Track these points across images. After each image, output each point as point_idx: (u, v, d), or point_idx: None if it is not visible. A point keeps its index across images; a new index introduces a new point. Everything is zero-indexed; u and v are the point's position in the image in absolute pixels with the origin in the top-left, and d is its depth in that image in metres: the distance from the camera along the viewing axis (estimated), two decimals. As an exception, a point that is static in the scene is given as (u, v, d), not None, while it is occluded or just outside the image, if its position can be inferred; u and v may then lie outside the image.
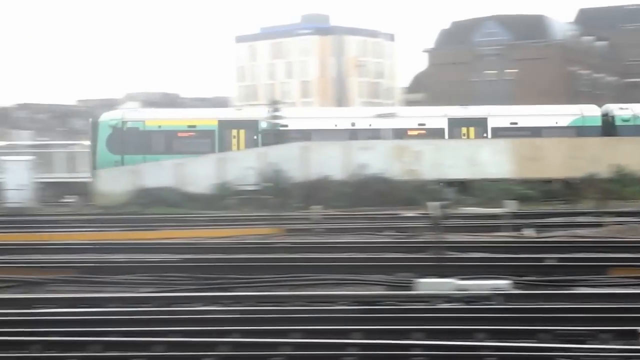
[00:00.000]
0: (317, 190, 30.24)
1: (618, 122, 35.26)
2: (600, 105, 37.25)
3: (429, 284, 12.82)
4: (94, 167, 34.35)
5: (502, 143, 33.03)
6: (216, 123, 35.12)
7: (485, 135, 35.31)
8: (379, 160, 31.63)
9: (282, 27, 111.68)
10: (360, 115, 37.18)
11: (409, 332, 10.02)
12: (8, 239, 21.22)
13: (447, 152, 32.45)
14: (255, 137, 34.75)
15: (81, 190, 33.25)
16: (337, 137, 34.16)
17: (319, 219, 23.81)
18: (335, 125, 35.10)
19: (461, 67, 69.56)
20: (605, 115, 35.79)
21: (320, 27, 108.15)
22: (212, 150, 34.29)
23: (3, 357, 9.32)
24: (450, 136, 35.23)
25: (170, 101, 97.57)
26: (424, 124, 35.34)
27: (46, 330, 10.41)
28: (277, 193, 30.07)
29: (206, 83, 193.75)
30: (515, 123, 35.56)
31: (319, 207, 25.25)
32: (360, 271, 14.99)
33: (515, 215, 21.91)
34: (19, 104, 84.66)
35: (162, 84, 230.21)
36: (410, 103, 79.44)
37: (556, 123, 35.44)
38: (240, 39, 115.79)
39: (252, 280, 14.55)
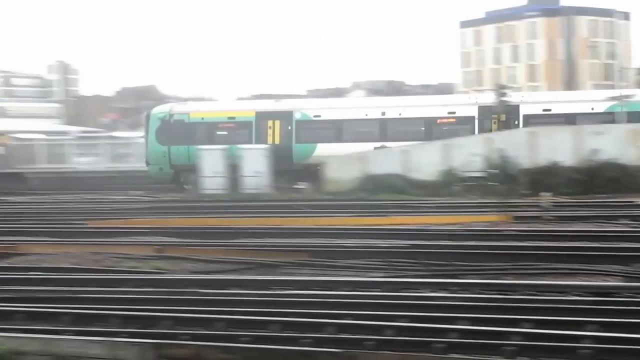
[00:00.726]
0: (545, 177, 29.33)
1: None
2: None
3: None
4: (146, 157, 36.63)
5: None
6: (254, 114, 35.87)
7: (516, 123, 33.60)
8: (612, 145, 30.16)
9: (508, 10, 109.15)
10: (388, 105, 36.72)
11: (648, 326, 9.57)
12: (247, 223, 22.43)
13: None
14: (289, 128, 35.15)
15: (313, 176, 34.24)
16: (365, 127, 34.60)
17: (548, 207, 23.13)
18: (366, 115, 35.18)
19: None
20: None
21: (548, 8, 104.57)
22: (250, 141, 35.14)
23: (244, 334, 9.92)
24: (480, 124, 33.86)
25: (395, 89, 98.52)
26: (454, 112, 34.56)
27: (283, 310, 10.94)
28: (503, 179, 29.51)
29: (431, 69, 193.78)
30: (549, 110, 33.90)
31: (547, 194, 24.52)
32: (593, 261, 14.47)
33: None
34: (253, 95, 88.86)
35: (387, 71, 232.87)
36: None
37: (592, 109, 33.62)
38: (465, 24, 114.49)
39: (478, 267, 14.47)
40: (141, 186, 38.38)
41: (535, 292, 12.13)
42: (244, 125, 35.84)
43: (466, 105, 35.25)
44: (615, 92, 36.46)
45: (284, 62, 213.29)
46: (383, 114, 34.93)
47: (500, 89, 35.08)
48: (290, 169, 34.81)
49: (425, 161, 31.85)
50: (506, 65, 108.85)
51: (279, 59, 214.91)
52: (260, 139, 35.20)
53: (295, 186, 33.91)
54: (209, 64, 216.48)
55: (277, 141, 35.19)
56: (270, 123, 35.60)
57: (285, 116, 35.69)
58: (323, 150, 34.38)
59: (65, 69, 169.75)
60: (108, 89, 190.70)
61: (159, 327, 10.58)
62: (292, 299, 11.69)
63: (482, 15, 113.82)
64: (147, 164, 37.25)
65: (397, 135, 34.04)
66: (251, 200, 30.31)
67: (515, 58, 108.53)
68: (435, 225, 21.15)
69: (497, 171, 30.36)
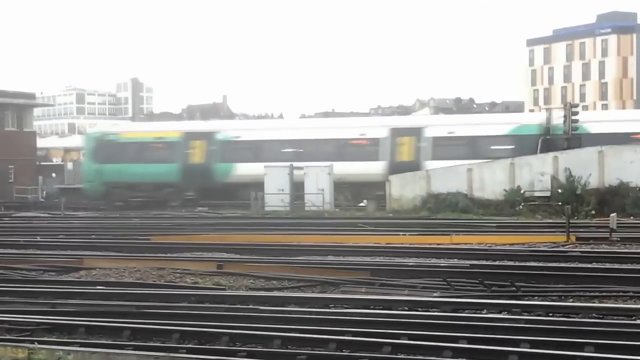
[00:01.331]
0: (612, 197, 28.75)
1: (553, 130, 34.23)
2: None
3: None
4: (82, 175, 39.43)
5: None
6: (179, 135, 37.95)
7: (422, 145, 35.28)
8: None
9: (578, 28, 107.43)
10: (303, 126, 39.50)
11: None
12: (308, 240, 22.46)
13: None
14: (212, 148, 37.04)
15: (374, 194, 34.18)
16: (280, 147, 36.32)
17: (615, 228, 22.61)
18: (282, 136, 36.96)
19: None
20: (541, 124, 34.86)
21: (621, 26, 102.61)
22: (176, 160, 37.25)
23: (301, 352, 9.88)
24: (384, 147, 35.49)
25: (463, 106, 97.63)
26: (364, 134, 36.25)
27: (341, 329, 10.88)
28: (569, 199, 28.97)
29: (499, 87, 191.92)
30: (453, 132, 35.40)
31: (614, 214, 24.00)
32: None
33: None
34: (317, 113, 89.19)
35: (455, 89, 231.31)
36: None
37: (494, 132, 34.95)
38: (532, 42, 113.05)
39: (541, 289, 14.20)
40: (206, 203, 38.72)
41: (600, 316, 11.83)
42: (171, 145, 37.96)
43: (377, 127, 36.81)
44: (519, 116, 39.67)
45: (352, 79, 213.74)
46: (298, 136, 36.62)
47: (569, 107, 34.53)
48: (213, 187, 36.79)
49: (490, 180, 31.54)
50: (576, 83, 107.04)
51: (346, 76, 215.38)
52: (186, 158, 37.47)
53: (359, 204, 33.89)
54: (276, 81, 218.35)
55: (201, 160, 37.09)
56: (194, 143, 37.55)
57: (208, 137, 37.71)
58: (241, 169, 36.28)
59: (136, 87, 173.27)
60: (176, 107, 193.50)
61: (217, 344, 10.62)
62: (350, 317, 11.62)
63: (550, 33, 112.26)
64: (84, 181, 39.99)
65: (310, 155, 35.26)
66: (313, 218, 30.35)
67: (585, 76, 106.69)
68: (499, 245, 20.85)
69: (562, 191, 29.85)
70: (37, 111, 77.14)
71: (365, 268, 16.65)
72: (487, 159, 32.74)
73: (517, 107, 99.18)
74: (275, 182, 34.44)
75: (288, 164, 34.98)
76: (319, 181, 33.96)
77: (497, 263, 17.34)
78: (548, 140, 33.81)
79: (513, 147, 33.96)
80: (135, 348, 10.25)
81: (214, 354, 9.74)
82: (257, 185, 34.14)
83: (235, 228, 27.00)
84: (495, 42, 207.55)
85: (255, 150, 36.73)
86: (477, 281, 14.83)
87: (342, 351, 10.08)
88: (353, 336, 10.52)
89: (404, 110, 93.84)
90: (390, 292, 14.36)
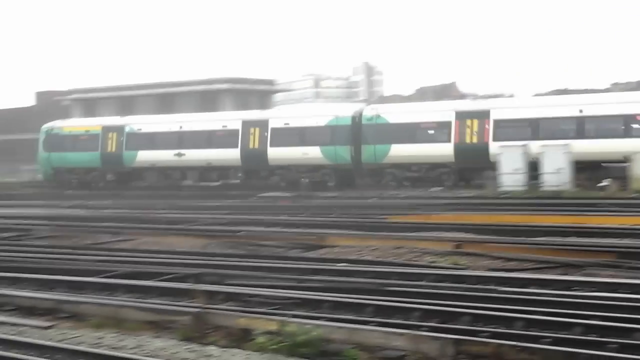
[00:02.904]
0: None
1: (364, 121, 38.98)
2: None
3: None
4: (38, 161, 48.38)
5: None
6: (100, 128, 46.40)
7: (266, 134, 40.90)
8: None
9: None
10: (184, 120, 45.30)
11: None
12: (547, 221, 21.84)
13: None
14: (121, 139, 45.12)
15: (618, 174, 32.65)
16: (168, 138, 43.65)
17: None
18: (169, 129, 44.13)
19: None
20: (355, 116, 39.56)
21: None
22: (97, 149, 45.80)
23: (545, 335, 9.69)
24: (243, 137, 41.46)
25: None
26: (225, 126, 42.52)
27: (586, 313, 10.54)
28: None
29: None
30: (288, 124, 40.82)
31: None
32: None
33: None
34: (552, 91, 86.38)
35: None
36: None
37: (317, 123, 39.96)
38: None
39: None
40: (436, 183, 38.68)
41: None
42: (95, 137, 46.19)
43: (233, 120, 42.92)
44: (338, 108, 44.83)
45: (586, 54, 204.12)
46: (181, 127, 43.66)
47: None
48: (124, 171, 45.46)
49: None
50: None
51: (579, 52, 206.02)
52: (104, 147, 45.71)
53: (599, 184, 32.50)
54: (507, 60, 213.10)
55: (113, 149, 45.42)
56: (110, 134, 45.77)
57: (119, 129, 45.69)
58: (141, 156, 44.23)
59: (368, 70, 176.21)
60: (408, 89, 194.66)
61: (458, 323, 10.67)
62: (596, 301, 11.22)
63: None
64: (39, 165, 49.51)
65: (189, 144, 42.89)
66: (551, 198, 29.49)
67: None
68: None
69: None
70: (277, 96, 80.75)
71: (611, 250, 15.94)
72: None
73: None
74: (510, 161, 33.86)
75: (523, 143, 34.23)
76: (556, 160, 33.00)
77: None
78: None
79: None
80: (379, 324, 10.52)
81: (456, 333, 9.79)
82: (156, 169, 43.41)
83: (470, 208, 26.84)
84: None
85: (149, 141, 44.27)
86: None
87: (588, 335, 9.77)
88: (601, 320, 10.16)
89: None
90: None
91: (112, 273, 15.13)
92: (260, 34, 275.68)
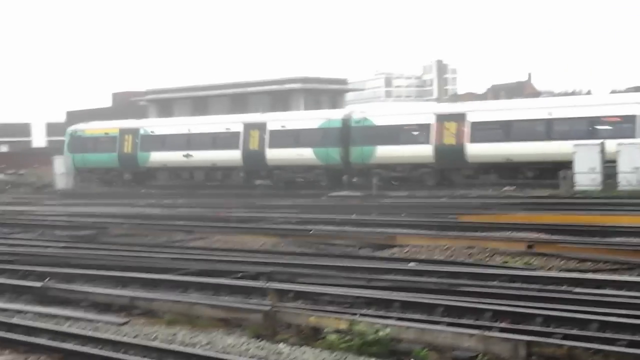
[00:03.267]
0: None
1: (352, 124, 40.21)
2: None
3: None
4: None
5: None
6: (117, 131, 48.33)
7: (265, 136, 42.49)
8: None
9: None
10: (191, 123, 47.85)
11: None
12: (624, 221, 21.21)
13: None
14: (136, 140, 47.07)
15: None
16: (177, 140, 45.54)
17: None
18: (177, 131, 46.40)
19: None
20: (345, 119, 40.78)
21: None
22: (115, 150, 47.91)
23: (620, 338, 9.48)
24: (244, 138, 43.30)
25: None
26: (229, 128, 44.20)
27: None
28: None
29: None
30: (284, 126, 42.37)
31: None
32: None
33: None
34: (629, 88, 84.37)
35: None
36: None
37: (310, 126, 41.46)
38: None
39: None
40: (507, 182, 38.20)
41: None
42: (113, 139, 48.30)
43: (234, 122, 44.44)
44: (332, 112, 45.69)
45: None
46: (189, 130, 45.67)
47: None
48: (137, 170, 47.74)
49: None
50: None
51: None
52: (121, 149, 47.82)
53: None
54: (583, 57, 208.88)
55: (129, 150, 47.46)
56: (126, 137, 47.72)
57: (134, 132, 47.64)
58: (154, 157, 46.25)
59: (440, 69, 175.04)
60: (480, 87, 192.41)
61: (530, 324, 10.52)
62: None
63: None
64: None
65: (198, 145, 44.51)
66: (628, 197, 28.79)
67: None
68: None
69: None
70: (349, 96, 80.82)
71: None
72: None
73: None
74: (585, 160, 33.19)
75: (599, 142, 33.55)
76: (633, 159, 32.20)
77: None
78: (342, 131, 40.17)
79: None
80: (449, 324, 10.46)
81: (528, 334, 9.66)
82: (167, 169, 46.13)
83: (543, 208, 26.41)
84: None
85: (162, 143, 46.05)
86: None
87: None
88: None
89: None
90: None
91: (185, 270, 15.39)
92: (332, 32, 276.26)
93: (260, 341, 10.37)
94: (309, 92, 67.28)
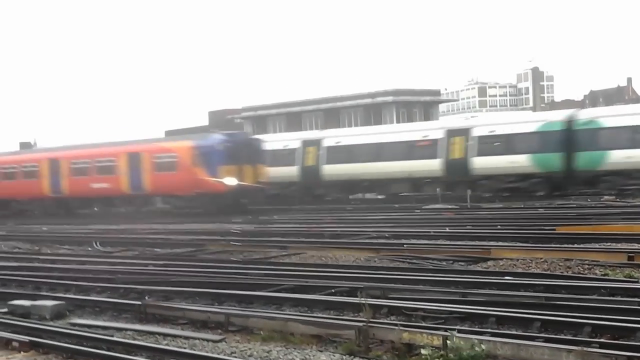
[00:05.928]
0: None
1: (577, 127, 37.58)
2: None
3: None
4: None
5: None
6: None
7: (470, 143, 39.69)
8: None
9: None
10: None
11: None
12: None
13: None
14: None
15: None
16: None
17: None
18: None
19: None
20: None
21: None
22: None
23: None
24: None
25: None
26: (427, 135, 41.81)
27: None
28: None
29: None
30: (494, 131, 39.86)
31: None
32: None
33: None
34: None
35: None
36: None
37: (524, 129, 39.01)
38: None
39: None
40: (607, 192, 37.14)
41: None
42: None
43: (433, 130, 42.31)
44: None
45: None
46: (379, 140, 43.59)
47: None
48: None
49: None
50: None
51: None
52: None
53: None
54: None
55: None
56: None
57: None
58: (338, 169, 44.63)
59: (536, 76, 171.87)
60: (578, 93, 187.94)
61: (631, 339, 10.20)
62: None
63: None
64: None
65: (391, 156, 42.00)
66: None
67: None
68: None
69: None
70: (442, 107, 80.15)
71: None
72: None
73: None
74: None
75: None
76: None
77: None
78: None
79: None
80: (546, 340, 10.22)
81: (630, 349, 9.35)
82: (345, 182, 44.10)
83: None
84: None
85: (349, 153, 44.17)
86: None
87: None
88: None
89: None
90: None
91: (280, 287, 15.52)
92: (424, 43, 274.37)
93: (353, 358, 10.36)
94: (401, 104, 67.08)
